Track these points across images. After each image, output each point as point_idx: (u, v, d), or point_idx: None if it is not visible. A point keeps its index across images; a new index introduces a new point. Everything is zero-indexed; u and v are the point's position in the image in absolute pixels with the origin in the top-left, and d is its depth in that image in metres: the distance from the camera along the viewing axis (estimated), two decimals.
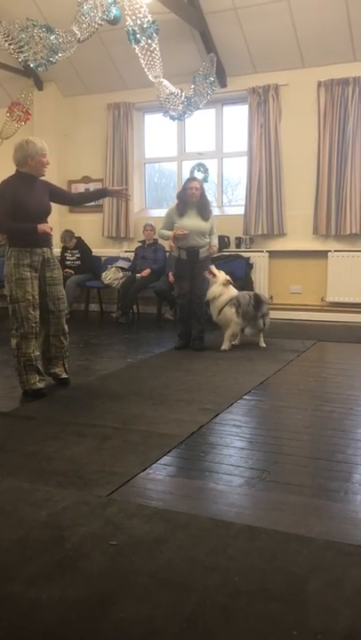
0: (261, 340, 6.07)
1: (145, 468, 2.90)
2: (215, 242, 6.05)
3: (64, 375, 4.54)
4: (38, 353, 4.33)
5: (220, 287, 5.80)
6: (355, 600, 1.86)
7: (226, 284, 5.82)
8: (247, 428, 3.62)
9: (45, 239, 4.30)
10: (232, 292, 5.83)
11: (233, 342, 5.97)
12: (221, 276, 5.85)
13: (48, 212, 4.38)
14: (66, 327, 4.51)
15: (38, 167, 4.25)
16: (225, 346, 5.84)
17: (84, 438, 3.34)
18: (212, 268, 5.89)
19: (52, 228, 4.34)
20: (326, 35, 7.20)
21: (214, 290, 5.81)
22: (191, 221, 5.84)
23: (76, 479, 2.79)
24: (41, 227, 4.21)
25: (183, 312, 6.09)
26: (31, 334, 4.22)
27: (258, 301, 6.00)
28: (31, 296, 4.19)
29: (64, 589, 1.92)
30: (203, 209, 5.89)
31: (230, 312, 5.76)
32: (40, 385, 4.29)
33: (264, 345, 6.03)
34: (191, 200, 5.85)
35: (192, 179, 6.17)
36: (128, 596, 1.89)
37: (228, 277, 5.88)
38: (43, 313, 4.34)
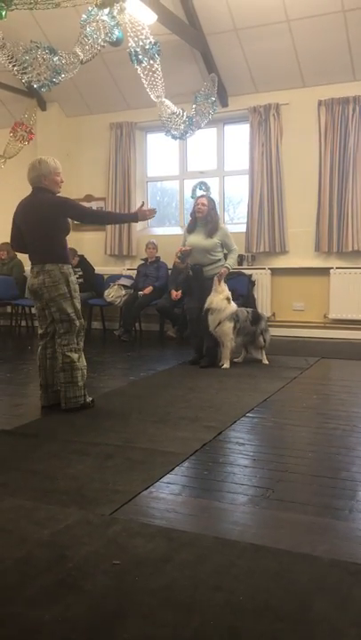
0: (264, 356, 6.07)
1: (148, 487, 2.88)
2: (230, 262, 5.93)
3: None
4: None
5: (224, 301, 5.77)
6: (360, 620, 1.83)
7: (228, 299, 5.81)
8: (251, 446, 3.60)
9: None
10: (233, 307, 5.83)
11: (236, 359, 5.95)
12: (226, 290, 5.83)
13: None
14: None
15: (52, 186, 4.32)
16: (226, 364, 5.82)
17: (86, 456, 3.32)
18: (222, 280, 5.84)
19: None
20: (326, 55, 7.28)
21: (217, 301, 5.75)
22: (195, 239, 5.92)
23: (79, 498, 2.77)
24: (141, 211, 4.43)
25: (193, 327, 6.15)
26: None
27: (256, 317, 6.02)
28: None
29: (66, 609, 1.90)
30: (207, 225, 5.91)
31: (228, 326, 5.74)
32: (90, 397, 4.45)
33: (267, 362, 6.03)
34: (198, 216, 5.94)
35: (201, 195, 6.19)
36: (131, 615, 1.86)
37: (229, 294, 5.87)
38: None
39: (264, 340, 6.02)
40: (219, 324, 5.73)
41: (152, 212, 4.59)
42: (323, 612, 1.88)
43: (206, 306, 5.78)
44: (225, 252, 6.02)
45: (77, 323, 4.32)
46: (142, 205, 4.61)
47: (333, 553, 2.24)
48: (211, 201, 6.07)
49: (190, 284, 6.03)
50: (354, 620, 1.83)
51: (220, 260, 5.95)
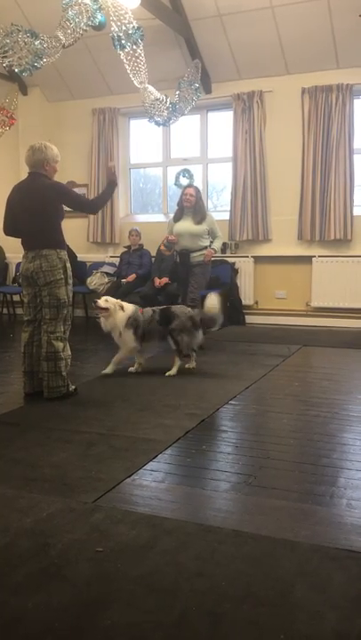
0: (177, 362, 5.10)
1: (131, 474, 2.89)
2: (215, 245, 6.14)
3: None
4: None
5: (117, 315, 5.00)
6: (341, 604, 1.86)
7: (119, 308, 5.03)
8: (233, 433, 3.63)
9: None
10: (126, 312, 5.04)
11: (188, 366, 5.17)
12: (110, 303, 5.03)
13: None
14: None
15: (52, 173, 4.33)
16: (108, 369, 5.07)
17: (69, 445, 3.32)
18: (100, 301, 5.04)
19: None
20: (310, 42, 7.26)
21: (110, 322, 5.02)
22: (184, 225, 6.08)
23: (62, 486, 2.77)
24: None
25: None
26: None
27: (166, 317, 5.06)
28: None
29: (49, 597, 1.90)
30: (196, 213, 6.06)
31: (127, 335, 5.00)
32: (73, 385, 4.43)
33: (190, 366, 5.16)
34: (186, 206, 6.11)
35: (189, 186, 6.35)
36: (114, 602, 1.88)
37: (118, 301, 5.12)
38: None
39: (176, 343, 5.01)
40: (120, 335, 5.04)
41: (111, 167, 4.67)
42: (304, 596, 1.90)
43: (106, 330, 5.10)
44: (211, 239, 6.17)
45: (66, 310, 4.29)
46: (108, 170, 4.67)
47: (314, 538, 2.27)
48: (198, 191, 6.25)
49: (179, 270, 6.14)
50: (334, 603, 1.86)
51: (206, 246, 6.11)
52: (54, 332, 4.25)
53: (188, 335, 5.01)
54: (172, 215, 6.54)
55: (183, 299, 6.17)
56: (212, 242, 6.17)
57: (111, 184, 4.55)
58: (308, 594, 1.92)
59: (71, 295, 4.36)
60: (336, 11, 6.84)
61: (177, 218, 6.21)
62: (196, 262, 6.06)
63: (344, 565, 2.08)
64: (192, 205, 6.09)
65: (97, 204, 4.60)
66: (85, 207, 4.70)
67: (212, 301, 5.21)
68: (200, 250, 6.06)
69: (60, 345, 4.25)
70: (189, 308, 5.25)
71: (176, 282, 6.26)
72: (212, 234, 6.15)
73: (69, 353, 4.36)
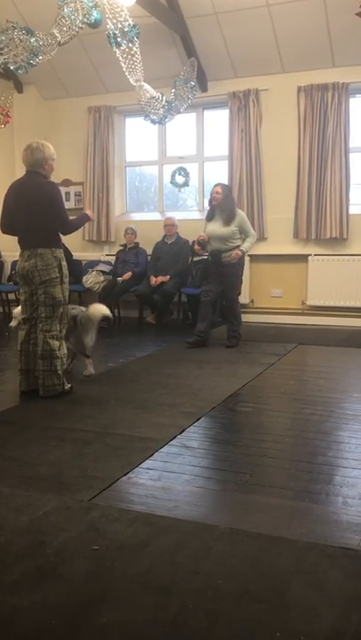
0: (86, 365, 4.94)
1: (127, 473, 2.89)
2: (245, 245, 6.11)
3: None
4: None
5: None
6: (337, 601, 1.87)
7: None
8: (229, 432, 3.63)
9: None
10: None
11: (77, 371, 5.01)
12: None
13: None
14: None
15: (49, 171, 4.34)
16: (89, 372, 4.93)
17: (65, 443, 3.32)
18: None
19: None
20: (306, 41, 7.26)
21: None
22: (213, 227, 6.16)
23: (58, 484, 2.76)
24: (88, 213, 4.61)
25: (203, 309, 6.22)
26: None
27: (74, 315, 4.77)
28: None
29: (45, 595, 1.90)
30: (224, 213, 6.09)
31: None
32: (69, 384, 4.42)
33: (87, 373, 4.91)
34: (214, 204, 6.18)
35: (216, 184, 6.34)
36: (110, 601, 1.87)
37: None
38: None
39: (79, 344, 4.81)
40: None
41: (93, 216, 4.81)
42: (300, 594, 1.90)
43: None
44: (243, 237, 6.16)
45: (62, 309, 4.28)
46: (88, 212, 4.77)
47: (310, 536, 2.27)
48: (225, 188, 6.29)
49: (210, 268, 6.31)
50: (331, 601, 1.87)
51: (238, 246, 6.13)
52: (50, 330, 4.24)
53: (74, 336, 4.78)
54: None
55: (207, 294, 6.22)
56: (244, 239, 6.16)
57: (84, 217, 4.67)
58: (304, 591, 1.92)
59: (67, 294, 4.35)
60: (332, 9, 6.84)
61: (209, 217, 6.27)
62: (227, 262, 6.10)
63: (340, 563, 2.08)
64: (219, 204, 6.11)
65: (71, 228, 4.46)
66: (62, 225, 4.37)
67: (97, 310, 4.89)
68: (231, 250, 6.08)
69: (55, 343, 4.24)
70: (80, 309, 4.93)
71: (207, 281, 6.39)
72: (243, 232, 6.13)
73: (65, 352, 4.36)
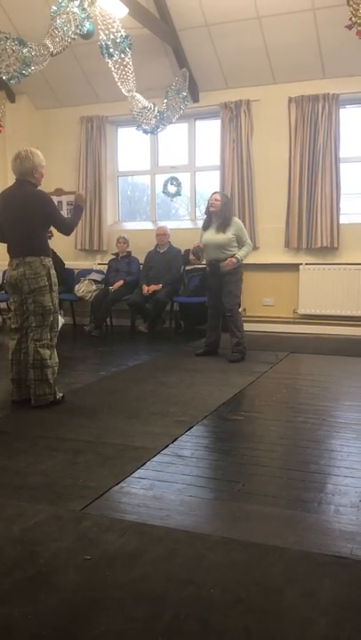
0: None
1: (119, 482, 2.88)
2: (240, 253, 5.94)
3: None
4: None
5: None
6: (330, 610, 1.86)
7: None
8: (221, 440, 3.63)
9: None
10: None
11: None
12: None
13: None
14: None
15: (39, 179, 4.34)
16: None
17: (56, 452, 3.30)
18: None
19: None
20: (296, 52, 7.33)
21: None
22: (209, 235, 6.02)
23: (49, 494, 2.75)
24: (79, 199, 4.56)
25: (212, 322, 6.23)
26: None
27: None
28: None
29: (37, 606, 1.89)
30: (220, 220, 5.98)
31: None
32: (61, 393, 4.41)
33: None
34: (212, 210, 6.04)
35: (215, 192, 6.27)
36: (103, 611, 1.86)
37: None
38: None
39: None
40: None
41: (81, 195, 4.71)
42: (293, 602, 1.90)
43: None
44: (240, 247, 6.02)
45: (52, 317, 4.28)
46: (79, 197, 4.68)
47: (303, 545, 2.27)
48: (224, 196, 6.18)
49: (209, 279, 6.16)
50: (323, 609, 1.86)
51: (234, 254, 5.96)
52: (40, 339, 4.23)
53: None
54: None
55: (213, 308, 6.16)
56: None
57: (78, 208, 4.60)
58: (297, 600, 1.92)
59: (57, 302, 4.34)
60: (322, 21, 6.92)
61: (205, 226, 6.12)
62: (226, 271, 5.94)
63: (333, 571, 2.08)
64: (218, 210, 5.96)
65: (71, 226, 4.55)
66: (64, 227, 4.52)
67: None
68: (225, 260, 5.93)
69: (46, 352, 4.23)
70: None
71: (207, 292, 6.31)
72: (239, 241, 5.99)
73: (57, 360, 4.34)
